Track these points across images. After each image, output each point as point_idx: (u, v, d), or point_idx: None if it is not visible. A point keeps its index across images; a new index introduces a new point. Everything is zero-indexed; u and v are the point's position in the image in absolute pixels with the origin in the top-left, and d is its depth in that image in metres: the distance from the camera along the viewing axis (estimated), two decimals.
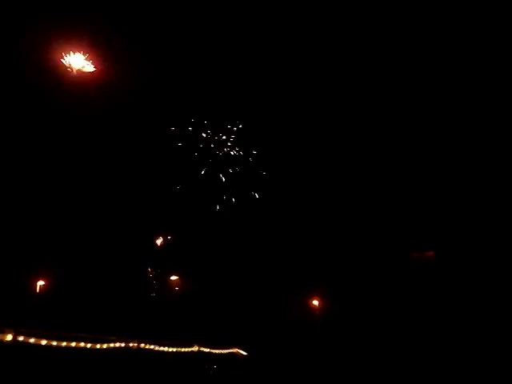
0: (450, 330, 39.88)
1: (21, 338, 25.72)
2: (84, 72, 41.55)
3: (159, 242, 47.58)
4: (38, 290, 36.10)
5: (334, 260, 49.29)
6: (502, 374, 33.72)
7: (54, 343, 27.07)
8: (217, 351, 39.57)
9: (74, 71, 41.46)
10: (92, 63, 41.61)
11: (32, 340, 26.17)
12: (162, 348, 32.45)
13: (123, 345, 29.65)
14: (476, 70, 43.33)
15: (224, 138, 53.10)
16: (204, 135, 52.74)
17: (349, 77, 47.36)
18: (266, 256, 49.33)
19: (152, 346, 31.68)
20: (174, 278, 45.17)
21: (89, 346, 28.16)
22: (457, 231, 44.01)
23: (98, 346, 28.40)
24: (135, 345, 30.29)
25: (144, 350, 30.95)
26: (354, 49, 46.31)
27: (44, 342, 26.69)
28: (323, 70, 47.72)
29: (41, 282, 36.27)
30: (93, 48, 41.91)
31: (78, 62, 41.23)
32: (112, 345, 29.18)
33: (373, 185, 49.45)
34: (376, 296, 45.75)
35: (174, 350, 33.80)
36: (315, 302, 46.42)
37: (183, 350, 34.77)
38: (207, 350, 38.15)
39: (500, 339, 37.04)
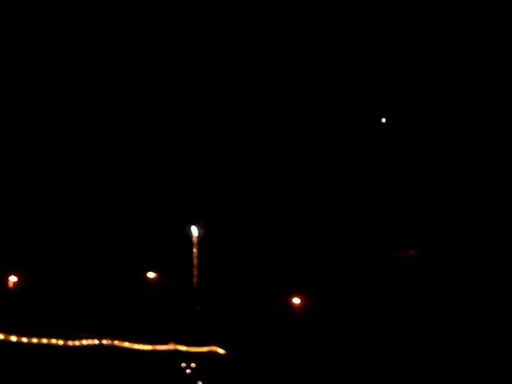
0: (435, 327, 39.72)
1: None
2: None
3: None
4: (10, 286, 35.37)
5: (315, 258, 49.04)
6: (490, 373, 33.58)
7: (25, 339, 26.54)
8: (194, 349, 39.11)
9: None
10: None
11: (1, 336, 25.65)
12: (136, 346, 32.05)
13: (96, 342, 29.18)
14: (475, 70, 43.29)
15: None
16: None
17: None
18: (247, 254, 49.00)
19: (126, 344, 31.27)
20: (151, 275, 44.67)
21: (61, 342, 27.70)
22: (439, 228, 43.89)
23: (70, 342, 27.93)
24: (109, 342, 29.83)
25: (118, 347, 30.53)
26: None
27: (14, 339, 26.18)
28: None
29: (13, 278, 35.51)
30: None
31: None
32: (85, 342, 28.70)
33: (355, 183, 49.25)
34: (359, 294, 45.55)
35: (150, 347, 33.38)
36: (296, 301, 46.03)
37: (159, 348, 34.33)
38: (184, 348, 37.67)
39: (487, 338, 36.92)
